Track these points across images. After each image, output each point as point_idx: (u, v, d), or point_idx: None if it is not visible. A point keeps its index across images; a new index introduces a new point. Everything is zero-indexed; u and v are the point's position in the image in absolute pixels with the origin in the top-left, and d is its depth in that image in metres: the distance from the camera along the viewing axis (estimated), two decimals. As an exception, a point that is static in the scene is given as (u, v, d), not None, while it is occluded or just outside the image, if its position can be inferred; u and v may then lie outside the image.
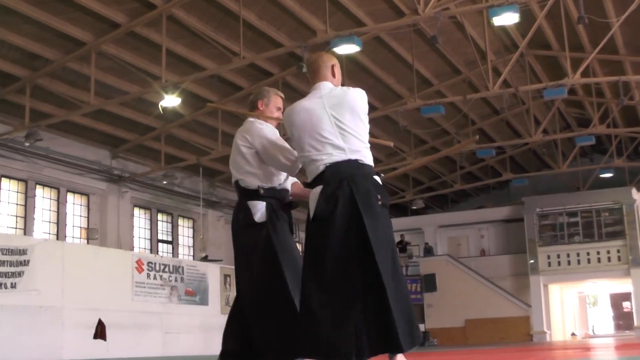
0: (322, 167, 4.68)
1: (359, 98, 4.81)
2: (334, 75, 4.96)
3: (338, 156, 4.68)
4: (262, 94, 5.59)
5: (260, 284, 5.19)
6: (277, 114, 5.54)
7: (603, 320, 46.93)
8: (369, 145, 4.79)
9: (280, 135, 5.43)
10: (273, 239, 5.18)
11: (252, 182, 5.33)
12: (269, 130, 5.36)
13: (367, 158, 4.75)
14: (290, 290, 5.02)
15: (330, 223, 4.59)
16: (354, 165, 4.69)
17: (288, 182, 5.46)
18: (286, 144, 5.24)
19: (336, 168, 4.67)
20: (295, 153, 5.04)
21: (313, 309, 4.49)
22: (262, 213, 5.25)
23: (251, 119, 5.50)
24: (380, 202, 4.65)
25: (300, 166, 5.10)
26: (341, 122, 4.72)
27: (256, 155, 5.32)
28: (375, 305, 4.41)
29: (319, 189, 4.68)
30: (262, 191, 5.29)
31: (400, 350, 4.39)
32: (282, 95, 5.65)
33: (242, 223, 5.35)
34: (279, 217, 5.28)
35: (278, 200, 5.34)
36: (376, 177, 4.73)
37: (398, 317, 4.37)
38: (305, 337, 4.52)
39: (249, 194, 5.34)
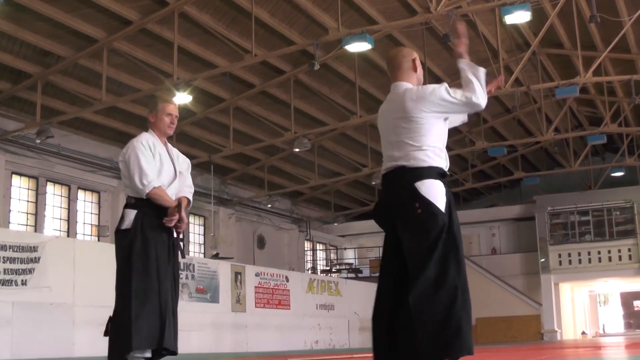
0: (436, 162, 4.68)
1: (404, 94, 4.70)
2: (415, 69, 4.86)
3: (390, 164, 4.72)
4: (150, 106, 6.01)
5: (116, 287, 5.60)
6: (169, 120, 5.84)
7: (613, 319, 46.79)
8: (427, 145, 4.64)
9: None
10: (133, 246, 5.51)
11: (127, 193, 5.76)
12: (142, 148, 5.69)
13: (417, 159, 4.62)
14: (132, 296, 5.42)
15: (456, 217, 4.64)
16: (396, 174, 4.69)
17: (169, 192, 5.74)
18: (147, 168, 5.59)
19: (385, 179, 4.74)
20: (150, 179, 5.53)
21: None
22: (130, 221, 5.61)
23: (141, 133, 5.87)
24: (419, 210, 4.52)
25: (148, 191, 5.53)
26: (388, 126, 4.79)
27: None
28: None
29: (438, 182, 4.65)
30: (132, 201, 5.68)
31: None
32: (173, 102, 6.04)
33: (115, 229, 5.77)
34: (146, 226, 5.60)
35: (150, 209, 5.64)
36: (417, 184, 4.57)
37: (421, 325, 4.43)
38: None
39: (126, 202, 5.76)
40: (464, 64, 4.78)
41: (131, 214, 5.63)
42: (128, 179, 5.66)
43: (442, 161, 4.67)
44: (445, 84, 4.67)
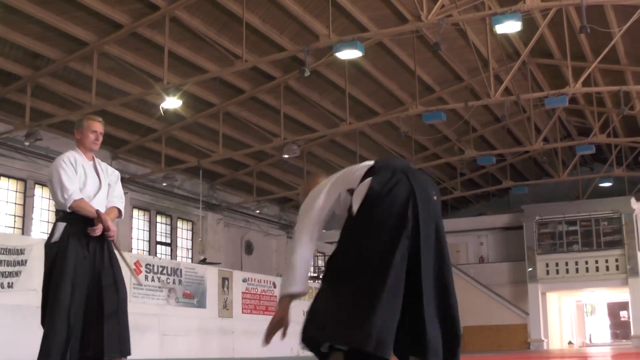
0: (370, 164, 4.35)
1: None
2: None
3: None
4: (77, 124, 6.38)
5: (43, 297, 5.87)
6: (93, 136, 6.20)
7: (600, 329, 46.90)
8: None
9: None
10: (55, 259, 5.76)
11: (58, 207, 5.96)
12: (63, 165, 6.02)
13: None
14: (47, 304, 5.75)
15: (385, 210, 4.16)
16: (406, 162, 4.50)
17: (94, 203, 5.98)
18: (67, 183, 5.89)
19: (388, 161, 4.34)
20: (71, 192, 5.81)
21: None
22: (59, 234, 5.85)
23: (67, 152, 6.24)
24: (435, 198, 4.28)
25: (70, 204, 5.80)
26: None
27: None
28: (411, 310, 4.16)
29: (367, 180, 4.23)
30: (60, 214, 5.93)
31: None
32: (98, 119, 6.35)
33: (45, 242, 5.99)
34: (71, 238, 5.82)
35: (75, 221, 5.87)
36: None
37: (430, 325, 4.24)
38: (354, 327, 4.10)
39: (55, 217, 6.04)
40: None
41: (60, 226, 5.88)
42: (53, 195, 6.00)
43: None
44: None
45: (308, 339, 4.43)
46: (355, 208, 4.30)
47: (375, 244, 4.21)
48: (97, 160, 6.27)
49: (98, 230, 5.86)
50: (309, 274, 4.68)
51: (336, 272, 4.42)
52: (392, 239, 4.15)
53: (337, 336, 4.25)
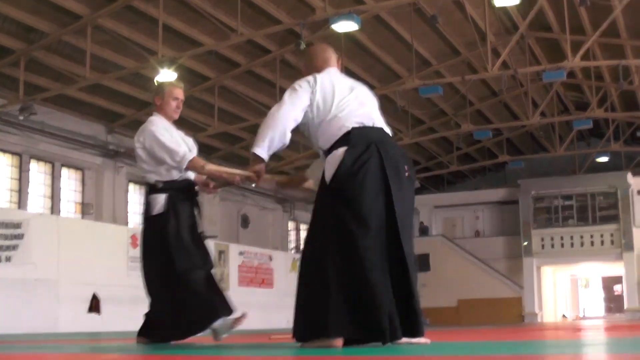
0: (348, 128, 4.45)
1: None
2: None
3: (367, 122, 4.53)
4: (157, 90, 6.03)
5: (156, 272, 5.78)
6: (175, 104, 5.88)
7: (594, 303, 47.16)
8: None
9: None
10: (168, 229, 5.58)
11: (151, 178, 5.72)
12: (160, 130, 5.69)
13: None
14: (180, 276, 5.53)
15: (356, 186, 4.27)
16: (382, 132, 4.55)
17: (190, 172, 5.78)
18: (173, 145, 5.59)
19: (364, 131, 4.46)
20: (181, 153, 5.51)
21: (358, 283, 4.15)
22: (161, 205, 5.63)
23: (150, 118, 5.86)
24: (407, 174, 4.42)
25: (185, 164, 5.51)
26: (364, 98, 4.73)
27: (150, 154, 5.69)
28: (398, 284, 4.21)
29: (341, 149, 4.38)
30: (160, 185, 5.68)
31: (422, 335, 4.34)
32: (180, 85, 6.01)
33: (143, 215, 5.81)
34: (178, 208, 5.66)
35: (179, 191, 5.69)
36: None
37: (418, 300, 4.29)
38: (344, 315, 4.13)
39: (150, 188, 5.73)
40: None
41: (160, 198, 5.65)
42: (152, 163, 5.67)
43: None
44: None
45: (306, 336, 4.29)
46: (327, 177, 4.39)
47: (351, 223, 4.22)
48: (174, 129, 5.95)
49: (217, 189, 5.88)
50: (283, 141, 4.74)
51: (317, 260, 4.33)
52: (367, 217, 4.21)
53: (350, 333, 4.17)
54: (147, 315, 6.00)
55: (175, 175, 5.65)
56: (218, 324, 5.53)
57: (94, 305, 15.42)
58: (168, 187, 5.64)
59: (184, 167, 5.56)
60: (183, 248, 5.57)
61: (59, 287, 14.86)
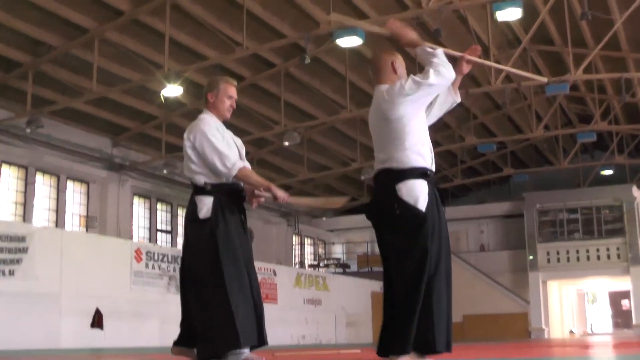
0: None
1: (379, 97, 4.89)
2: (394, 71, 5.03)
3: (377, 167, 4.91)
4: (211, 85, 5.60)
5: (201, 279, 5.30)
6: (229, 102, 5.58)
7: (601, 318, 46.92)
8: (408, 146, 4.81)
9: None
10: (216, 234, 5.25)
11: (200, 179, 5.39)
12: (212, 131, 5.40)
13: (398, 161, 4.78)
14: (227, 286, 5.15)
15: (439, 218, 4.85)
16: (381, 176, 4.87)
17: None
18: (225, 150, 5.33)
19: (374, 181, 4.95)
20: (233, 159, 5.24)
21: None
22: (208, 209, 5.31)
23: (201, 116, 5.54)
24: (397, 211, 4.71)
25: (235, 173, 5.25)
26: (373, 129, 4.99)
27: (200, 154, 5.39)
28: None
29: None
30: (209, 187, 5.36)
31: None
32: (234, 83, 5.67)
33: (188, 217, 5.45)
34: (226, 212, 5.34)
35: (227, 194, 5.39)
36: (398, 186, 4.74)
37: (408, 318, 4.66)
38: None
39: (197, 189, 5.41)
40: (420, 50, 4.96)
41: (207, 200, 5.34)
42: (201, 164, 5.37)
43: (425, 160, 4.82)
44: (412, 75, 4.79)
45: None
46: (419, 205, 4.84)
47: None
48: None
49: (261, 199, 5.44)
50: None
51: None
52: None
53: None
54: (182, 323, 5.67)
55: (225, 177, 5.36)
56: (233, 356, 5.17)
57: (97, 321, 15.41)
58: (216, 190, 5.35)
59: (233, 174, 5.29)
60: (232, 255, 5.26)
61: (61, 301, 14.86)
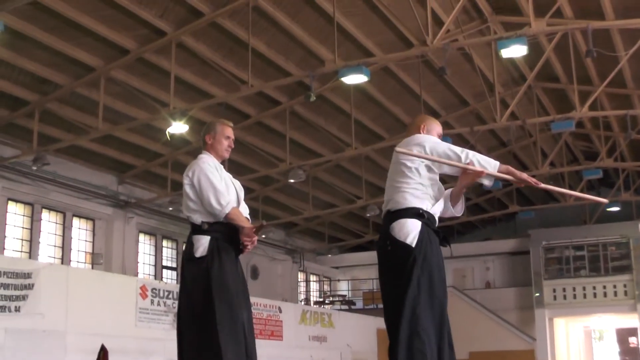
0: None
1: (398, 146, 5.11)
2: (420, 131, 5.41)
3: (384, 209, 5.20)
4: (208, 127, 5.80)
5: (193, 317, 5.33)
6: (227, 143, 5.77)
7: (609, 356, 46.49)
8: (407, 187, 5.06)
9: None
10: (211, 273, 5.30)
11: (197, 218, 5.50)
12: (210, 169, 5.53)
13: (396, 202, 5.04)
14: (218, 327, 5.17)
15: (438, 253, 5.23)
16: (384, 218, 5.17)
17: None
18: (222, 187, 5.43)
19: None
20: (228, 199, 5.34)
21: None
22: (205, 248, 5.39)
23: (200, 156, 5.71)
24: (389, 248, 4.99)
25: (228, 212, 5.32)
26: (390, 173, 5.26)
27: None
28: None
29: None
30: (206, 226, 5.46)
31: None
32: (230, 124, 5.85)
33: (185, 257, 5.54)
34: (222, 252, 5.39)
35: (224, 234, 5.44)
36: (392, 225, 4.99)
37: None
38: None
39: (195, 228, 5.51)
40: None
41: (204, 239, 5.43)
42: (199, 202, 5.50)
43: (422, 201, 5.01)
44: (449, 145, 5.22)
45: None
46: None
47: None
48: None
49: (253, 243, 5.46)
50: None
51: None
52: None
53: None
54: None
55: (219, 216, 5.43)
56: None
57: (102, 358, 15.30)
58: (213, 229, 5.43)
59: (226, 212, 5.36)
60: (225, 295, 5.28)
61: (66, 338, 14.80)
